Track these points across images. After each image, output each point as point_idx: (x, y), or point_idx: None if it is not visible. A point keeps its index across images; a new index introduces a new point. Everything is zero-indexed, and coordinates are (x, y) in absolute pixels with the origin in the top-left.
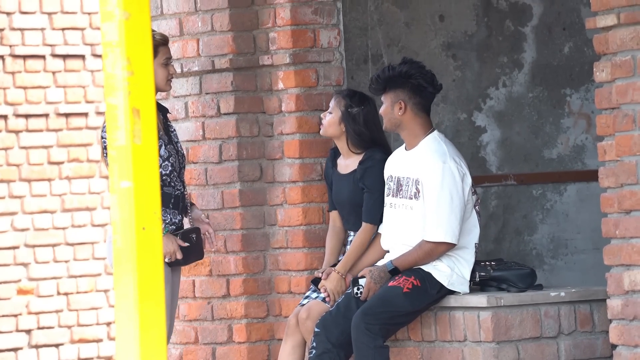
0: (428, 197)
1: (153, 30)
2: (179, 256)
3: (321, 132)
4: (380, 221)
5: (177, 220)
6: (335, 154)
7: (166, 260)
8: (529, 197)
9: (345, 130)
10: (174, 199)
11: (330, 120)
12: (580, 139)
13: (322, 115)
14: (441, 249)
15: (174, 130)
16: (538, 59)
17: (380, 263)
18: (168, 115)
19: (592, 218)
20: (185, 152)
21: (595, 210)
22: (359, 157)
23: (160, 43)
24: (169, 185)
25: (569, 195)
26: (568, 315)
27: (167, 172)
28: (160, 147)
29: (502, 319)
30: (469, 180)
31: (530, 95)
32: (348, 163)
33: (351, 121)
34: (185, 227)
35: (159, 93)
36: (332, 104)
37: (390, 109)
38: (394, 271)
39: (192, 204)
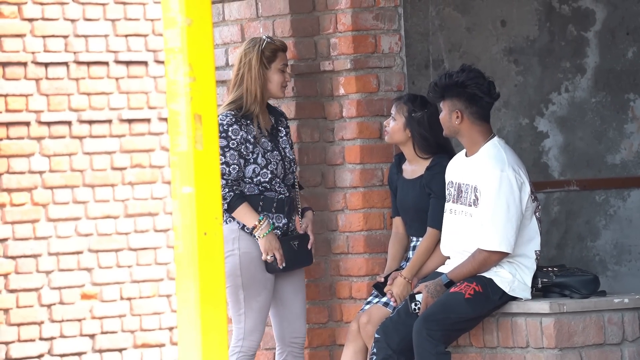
0: (484, 205)
1: (273, 37)
2: (278, 256)
3: (387, 139)
4: None
5: (281, 224)
6: (400, 159)
7: (268, 258)
8: (591, 202)
9: (411, 135)
10: (277, 202)
11: (395, 127)
12: None
13: (385, 123)
14: (495, 258)
15: (284, 135)
16: (601, 64)
17: (440, 269)
18: (283, 119)
19: None
20: (294, 156)
21: None
22: (426, 163)
23: (280, 49)
24: (270, 190)
25: (633, 201)
26: (632, 322)
27: (267, 179)
28: (257, 155)
29: (565, 325)
30: (527, 188)
31: (593, 100)
32: (414, 168)
33: (416, 125)
34: (293, 233)
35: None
36: (393, 110)
37: (449, 117)
38: (449, 284)
39: (307, 209)
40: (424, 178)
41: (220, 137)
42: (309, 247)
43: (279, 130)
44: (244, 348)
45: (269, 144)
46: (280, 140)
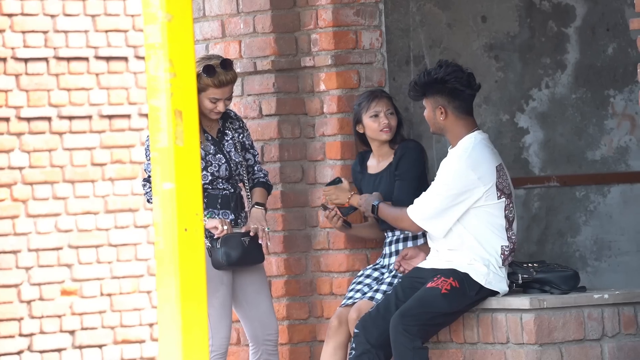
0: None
1: (223, 67)
2: (220, 227)
3: (388, 137)
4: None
5: (228, 220)
6: (363, 157)
7: (222, 234)
8: (572, 198)
9: (398, 122)
10: (222, 198)
11: (395, 120)
12: (624, 140)
13: (385, 122)
14: (407, 223)
15: (230, 138)
16: (581, 60)
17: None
18: (234, 121)
19: (636, 220)
20: (241, 158)
21: (639, 211)
22: (392, 152)
23: (213, 85)
24: (214, 188)
25: (613, 197)
26: (612, 318)
27: (207, 181)
28: None
29: (545, 321)
30: (483, 186)
31: (574, 96)
32: (381, 161)
33: (398, 113)
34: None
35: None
36: (386, 106)
37: (433, 114)
38: (374, 210)
39: (258, 204)
40: (393, 165)
41: None
42: (260, 241)
43: (226, 133)
44: (214, 347)
45: (212, 147)
46: (226, 144)
